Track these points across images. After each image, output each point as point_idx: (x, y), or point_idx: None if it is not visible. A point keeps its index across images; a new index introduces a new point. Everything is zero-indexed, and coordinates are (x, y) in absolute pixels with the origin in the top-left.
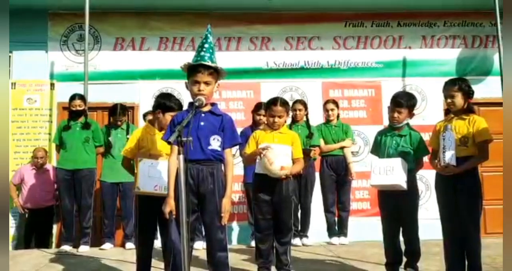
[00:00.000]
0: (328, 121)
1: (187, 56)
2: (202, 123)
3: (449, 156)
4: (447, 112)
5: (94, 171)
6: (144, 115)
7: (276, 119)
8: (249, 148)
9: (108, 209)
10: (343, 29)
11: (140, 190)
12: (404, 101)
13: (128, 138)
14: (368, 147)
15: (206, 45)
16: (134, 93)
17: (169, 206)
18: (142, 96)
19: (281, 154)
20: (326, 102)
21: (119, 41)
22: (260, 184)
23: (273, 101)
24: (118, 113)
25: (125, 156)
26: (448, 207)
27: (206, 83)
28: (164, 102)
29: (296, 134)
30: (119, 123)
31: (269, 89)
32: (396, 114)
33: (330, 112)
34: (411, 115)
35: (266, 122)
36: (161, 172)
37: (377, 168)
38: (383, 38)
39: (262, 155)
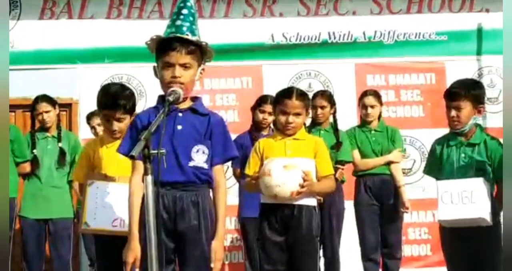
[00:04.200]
0: (365, 123)
1: (152, 28)
2: (179, 127)
3: None
4: None
5: (14, 203)
6: (88, 117)
7: (291, 119)
8: (250, 168)
9: (32, 258)
10: None
11: (89, 227)
12: (461, 90)
13: (61, 148)
14: None
15: (185, 11)
16: (72, 84)
17: (132, 252)
18: (83, 88)
19: (296, 174)
20: (363, 95)
21: (48, 5)
22: (269, 218)
23: (287, 93)
24: (40, 99)
25: (77, 183)
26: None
27: (185, 66)
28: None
29: (321, 139)
30: (45, 118)
31: (275, 75)
32: (453, 112)
33: (370, 110)
34: (478, 110)
35: (273, 124)
36: (123, 201)
37: (448, 194)
38: None
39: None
